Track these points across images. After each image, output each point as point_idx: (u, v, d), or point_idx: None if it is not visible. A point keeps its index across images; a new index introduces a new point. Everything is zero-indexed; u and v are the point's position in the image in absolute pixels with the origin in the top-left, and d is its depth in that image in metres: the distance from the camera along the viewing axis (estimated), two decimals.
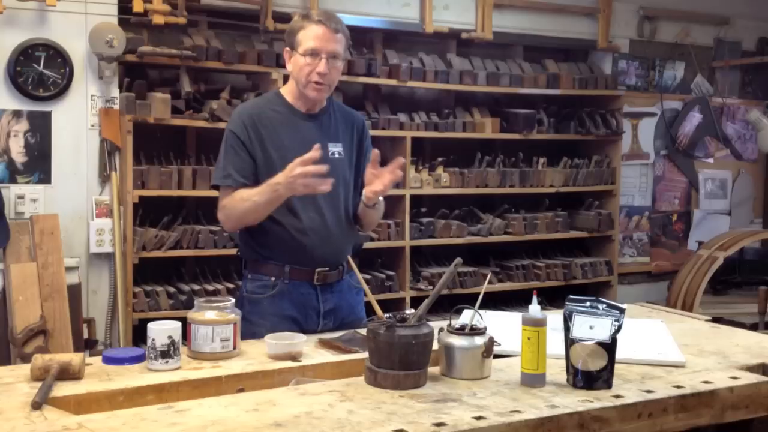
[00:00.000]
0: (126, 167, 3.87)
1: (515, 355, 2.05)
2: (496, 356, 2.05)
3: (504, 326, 2.30)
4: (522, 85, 4.95)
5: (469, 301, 2.23)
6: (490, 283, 3.60)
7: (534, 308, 1.96)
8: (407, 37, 4.89)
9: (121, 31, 3.82)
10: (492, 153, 4.99)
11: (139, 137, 3.91)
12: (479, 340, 1.98)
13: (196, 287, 4.05)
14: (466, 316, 2.08)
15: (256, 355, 2.19)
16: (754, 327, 4.46)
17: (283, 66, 2.69)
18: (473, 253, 4.93)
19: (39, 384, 1.85)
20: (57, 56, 3.80)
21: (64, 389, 1.87)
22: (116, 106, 3.92)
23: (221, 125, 3.86)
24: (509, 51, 5.23)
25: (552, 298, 4.93)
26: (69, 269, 3.66)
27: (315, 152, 2.36)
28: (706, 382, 1.99)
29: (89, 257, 3.90)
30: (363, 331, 2.22)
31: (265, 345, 2.20)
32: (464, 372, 1.97)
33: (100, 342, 3.85)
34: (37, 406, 1.73)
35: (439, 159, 4.76)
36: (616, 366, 1.95)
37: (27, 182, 3.80)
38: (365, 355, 2.00)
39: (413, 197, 4.64)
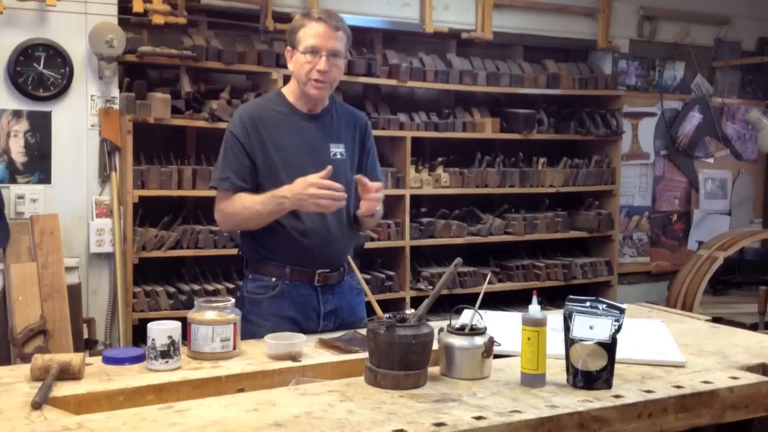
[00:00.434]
0: (126, 167, 3.87)
1: (515, 355, 2.05)
2: (496, 356, 2.05)
3: (504, 326, 2.30)
4: (522, 85, 4.95)
5: (469, 301, 2.23)
6: (490, 283, 3.60)
7: (534, 308, 1.96)
8: (407, 37, 4.89)
9: (121, 31, 3.82)
10: (492, 153, 4.99)
11: (139, 137, 3.91)
12: (479, 340, 1.98)
13: (196, 287, 4.05)
14: (466, 316, 2.08)
15: (256, 355, 2.19)
16: (754, 327, 4.47)
17: (284, 66, 2.70)
18: (473, 253, 4.93)
19: (39, 384, 1.85)
20: (57, 56, 3.80)
21: (64, 389, 1.87)
22: (116, 106, 3.92)
23: (221, 125, 3.87)
24: (509, 51, 5.23)
25: (552, 298, 4.93)
26: (69, 269, 3.66)
27: (328, 172, 2.39)
28: (706, 382, 1.99)
29: (89, 257, 3.90)
30: (363, 331, 2.22)
31: (265, 345, 2.20)
32: (464, 372, 1.97)
33: (100, 342, 3.85)
34: (37, 406, 1.73)
35: (439, 159, 4.76)
36: (616, 366, 1.95)
37: (27, 182, 3.80)
38: (365, 355, 2.00)
39: (413, 197, 4.64)
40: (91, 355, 3.12)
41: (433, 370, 1.99)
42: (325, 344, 2.32)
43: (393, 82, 4.58)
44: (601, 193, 5.32)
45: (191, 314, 2.19)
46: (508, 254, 5.13)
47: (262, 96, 2.99)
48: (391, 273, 4.54)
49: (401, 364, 1.89)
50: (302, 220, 2.52)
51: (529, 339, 1.92)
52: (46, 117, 3.83)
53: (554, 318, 2.07)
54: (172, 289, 4.02)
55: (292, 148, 2.55)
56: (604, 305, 1.98)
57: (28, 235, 3.58)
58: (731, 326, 2.80)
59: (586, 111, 5.21)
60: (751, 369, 2.14)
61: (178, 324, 2.10)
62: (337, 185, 2.41)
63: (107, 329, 3.93)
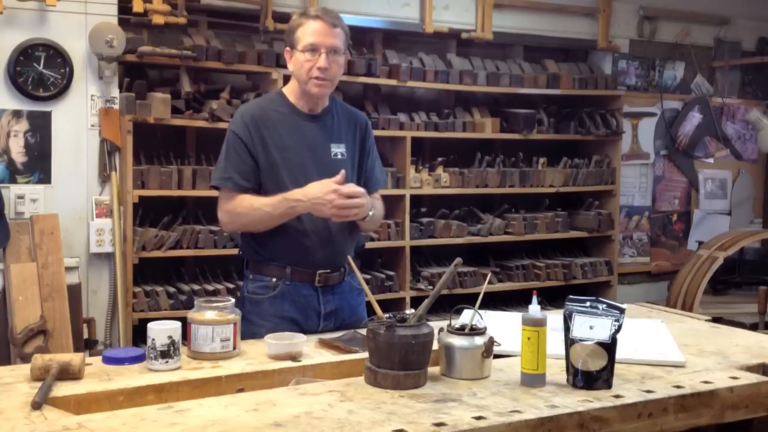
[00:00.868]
0: (126, 167, 3.87)
1: (515, 355, 2.05)
2: (496, 356, 2.05)
3: (504, 326, 2.30)
4: (522, 85, 4.95)
5: (469, 301, 2.23)
6: (490, 283, 3.60)
7: (534, 308, 1.96)
8: (407, 37, 4.89)
9: (121, 31, 3.82)
10: (492, 153, 4.99)
11: (139, 137, 3.91)
12: (479, 340, 1.98)
13: (196, 287, 4.05)
14: (466, 316, 2.08)
15: (256, 355, 2.19)
16: (754, 327, 4.47)
17: (284, 66, 2.70)
18: (473, 253, 4.93)
19: (39, 384, 1.85)
20: (57, 56, 3.80)
21: (64, 389, 1.87)
22: (116, 106, 3.92)
23: (221, 125, 3.88)
24: (509, 51, 5.23)
25: (552, 298, 4.93)
26: (69, 269, 3.66)
27: (342, 177, 2.41)
28: (706, 382, 2.00)
29: (89, 257, 3.90)
30: (363, 331, 2.22)
31: (265, 345, 2.20)
32: (464, 372, 1.97)
33: (100, 342, 3.85)
34: (37, 406, 1.73)
35: (439, 159, 4.76)
36: (616, 366, 1.95)
37: (27, 182, 3.80)
38: (365, 355, 2.00)
39: (413, 197, 4.64)
40: (91, 355, 3.13)
41: (433, 370, 1.99)
42: (325, 344, 2.32)
43: (393, 82, 4.58)
44: (601, 193, 5.32)
45: (191, 314, 2.19)
46: (508, 254, 5.13)
47: (262, 96, 2.98)
48: (391, 273, 4.54)
49: (401, 364, 1.89)
50: (302, 220, 2.51)
51: (529, 339, 1.92)
52: (46, 117, 3.83)
53: (554, 318, 2.07)
54: (172, 289, 4.02)
55: (293, 148, 2.55)
56: (604, 305, 1.98)
57: (28, 235, 3.58)
58: (731, 326, 2.80)
59: (586, 111, 5.21)
60: (751, 369, 2.14)
61: (178, 324, 2.10)
62: (360, 190, 2.42)
63: (107, 329, 3.93)
